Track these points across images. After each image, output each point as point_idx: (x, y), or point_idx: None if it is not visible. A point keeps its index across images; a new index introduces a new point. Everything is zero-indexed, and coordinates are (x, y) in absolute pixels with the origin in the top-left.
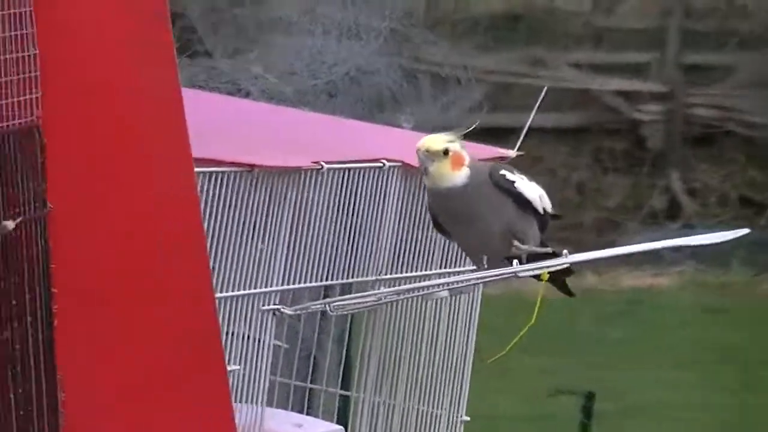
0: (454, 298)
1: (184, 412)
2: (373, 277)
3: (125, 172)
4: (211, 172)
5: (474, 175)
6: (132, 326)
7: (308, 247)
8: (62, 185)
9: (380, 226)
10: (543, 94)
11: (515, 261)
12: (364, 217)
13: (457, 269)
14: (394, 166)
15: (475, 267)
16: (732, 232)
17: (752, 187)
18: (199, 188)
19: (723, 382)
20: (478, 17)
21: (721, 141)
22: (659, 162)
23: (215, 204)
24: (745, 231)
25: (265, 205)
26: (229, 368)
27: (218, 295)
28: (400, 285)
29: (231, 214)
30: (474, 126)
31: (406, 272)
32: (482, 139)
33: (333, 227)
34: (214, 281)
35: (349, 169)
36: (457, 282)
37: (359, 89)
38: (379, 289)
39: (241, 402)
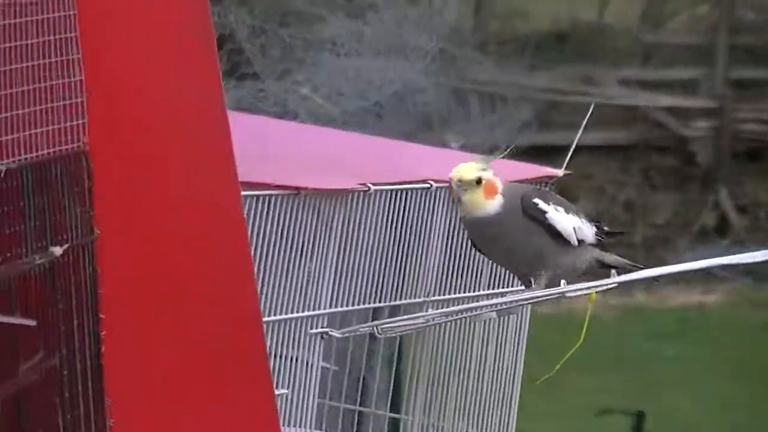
0: (502, 318)
1: None
2: (422, 299)
3: (172, 196)
4: (258, 196)
5: (507, 203)
6: (179, 351)
7: (356, 269)
8: (109, 210)
9: (428, 247)
10: (590, 112)
11: (563, 282)
12: (412, 238)
13: (505, 290)
14: (441, 187)
15: (523, 287)
16: None
17: None
18: (246, 211)
19: None
20: (526, 36)
21: None
22: (708, 178)
23: (262, 227)
24: None
25: (313, 228)
26: (277, 392)
27: (266, 318)
28: (448, 306)
29: (278, 237)
30: (510, 149)
31: (455, 293)
32: (531, 157)
33: (380, 249)
34: (262, 305)
35: (397, 191)
36: (506, 303)
37: (407, 109)
38: (427, 310)
39: (289, 426)
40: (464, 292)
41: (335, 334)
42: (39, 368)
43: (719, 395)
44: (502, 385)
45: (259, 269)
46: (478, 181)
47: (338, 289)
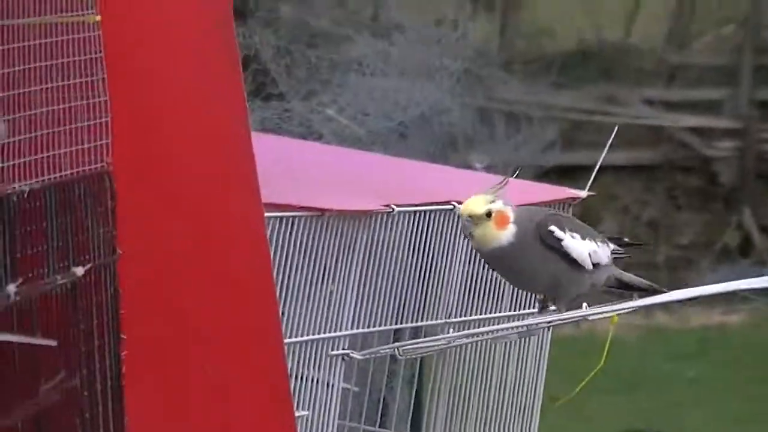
0: (523, 339)
1: None
2: (443, 320)
3: (195, 216)
4: (281, 217)
5: (520, 231)
6: (200, 371)
7: (378, 290)
8: (132, 231)
9: (450, 269)
10: (614, 132)
11: (584, 304)
12: (434, 259)
13: (526, 311)
14: None
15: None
16: None
17: None
18: (269, 232)
19: None
20: (551, 55)
21: None
22: (732, 198)
23: (285, 248)
24: None
25: (336, 249)
26: (297, 413)
27: (287, 340)
28: (469, 327)
29: (301, 258)
30: (515, 175)
31: (476, 314)
32: (556, 177)
33: (403, 270)
34: (284, 326)
35: (420, 212)
36: (527, 325)
37: (432, 130)
38: (448, 331)
39: None
40: (486, 314)
41: (356, 355)
42: (59, 389)
43: (740, 416)
44: (523, 406)
45: (281, 290)
46: (488, 214)
47: (360, 310)
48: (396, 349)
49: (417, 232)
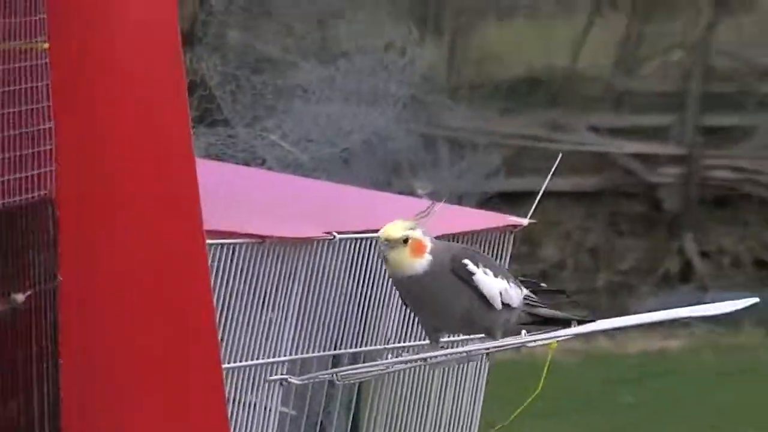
0: (461, 365)
1: None
2: (382, 346)
3: (136, 243)
4: (222, 244)
5: (435, 262)
6: (139, 398)
7: (318, 316)
8: (72, 257)
9: (390, 295)
10: (558, 159)
11: (524, 331)
12: (374, 286)
13: (465, 338)
14: None
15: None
16: (740, 301)
17: (766, 250)
18: (210, 259)
19: None
20: (499, 82)
21: (737, 203)
22: (674, 225)
23: (226, 274)
24: (754, 300)
25: (276, 276)
26: None
27: (226, 365)
28: (408, 353)
29: (241, 284)
30: (435, 209)
31: (414, 341)
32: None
33: (343, 296)
34: (223, 351)
35: (361, 239)
36: (465, 352)
37: (376, 156)
38: (387, 357)
39: None
40: (424, 340)
41: (294, 380)
42: None
43: None
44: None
45: (221, 316)
46: (405, 240)
47: (299, 336)
48: (334, 375)
49: (358, 259)
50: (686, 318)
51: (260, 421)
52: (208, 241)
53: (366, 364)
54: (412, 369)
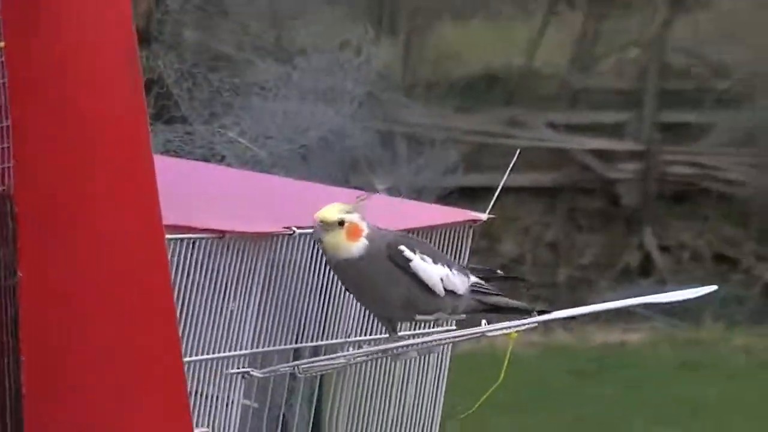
0: (422, 357)
1: None
2: (343, 339)
3: (95, 238)
4: (182, 239)
5: (371, 247)
6: (101, 392)
7: (279, 310)
8: (32, 253)
9: None
10: (516, 155)
11: (484, 321)
12: (334, 280)
13: (426, 330)
14: None
15: (444, 328)
16: (700, 288)
17: (726, 244)
18: (170, 254)
19: None
20: (455, 79)
21: (696, 198)
22: (633, 220)
23: (186, 269)
24: (713, 288)
25: (236, 270)
26: (197, 430)
27: (188, 358)
28: (368, 346)
29: (202, 278)
30: (372, 195)
31: (375, 334)
32: (459, 199)
33: (303, 290)
34: (184, 345)
35: None
36: (426, 342)
37: (334, 153)
38: (348, 350)
39: None
40: (385, 333)
41: (256, 373)
42: None
43: None
44: (423, 424)
45: (182, 310)
46: (341, 223)
47: (260, 329)
48: (296, 367)
49: (317, 254)
50: (647, 304)
51: (223, 414)
52: (168, 236)
53: (327, 356)
54: (374, 361)
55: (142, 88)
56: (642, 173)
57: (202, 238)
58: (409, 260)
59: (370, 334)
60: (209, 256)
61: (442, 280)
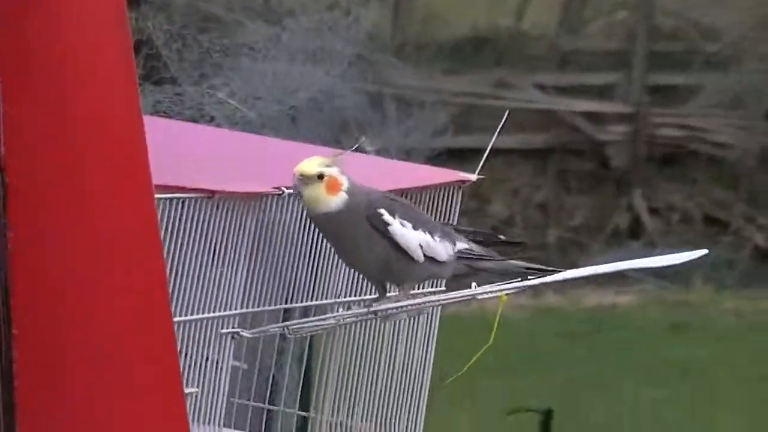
0: (412, 318)
1: None
2: (332, 300)
3: (84, 198)
4: (171, 198)
5: (351, 201)
6: (89, 352)
7: (268, 270)
8: (22, 218)
9: None
10: (505, 117)
11: (473, 284)
12: (324, 240)
13: (415, 291)
14: None
15: (434, 289)
16: (691, 252)
17: (716, 206)
18: (159, 214)
19: (686, 400)
20: (444, 41)
21: (685, 161)
22: (623, 182)
23: (176, 229)
24: (704, 252)
25: (226, 230)
26: (186, 391)
27: (177, 318)
28: (358, 307)
29: (191, 239)
30: (355, 148)
31: (365, 295)
32: (448, 160)
33: (293, 251)
34: (174, 305)
35: None
36: (415, 304)
37: (323, 114)
38: (338, 310)
39: (199, 423)
40: (374, 294)
41: (246, 334)
42: None
43: (629, 394)
44: (412, 385)
45: (171, 270)
46: (320, 176)
47: (250, 290)
48: (285, 328)
49: (308, 214)
50: (637, 268)
51: (212, 375)
52: (157, 196)
53: (317, 317)
54: (364, 322)
55: (131, 48)
56: (631, 135)
57: (192, 198)
58: (387, 224)
59: (361, 295)
60: (198, 216)
61: (421, 246)
